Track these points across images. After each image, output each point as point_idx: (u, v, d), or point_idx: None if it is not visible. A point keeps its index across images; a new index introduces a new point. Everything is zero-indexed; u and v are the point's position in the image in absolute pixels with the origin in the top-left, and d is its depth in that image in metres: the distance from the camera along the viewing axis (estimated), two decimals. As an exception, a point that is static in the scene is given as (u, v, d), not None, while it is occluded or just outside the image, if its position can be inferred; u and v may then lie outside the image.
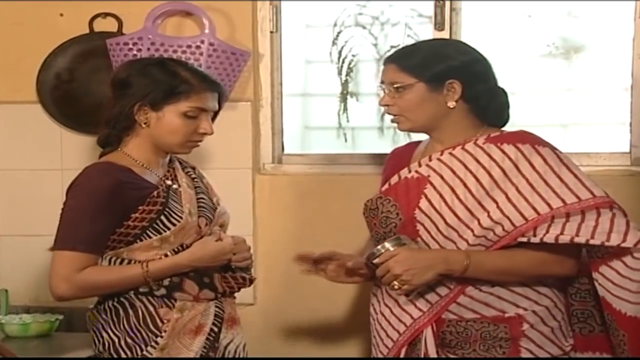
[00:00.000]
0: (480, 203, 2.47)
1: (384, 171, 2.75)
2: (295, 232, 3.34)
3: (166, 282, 2.55)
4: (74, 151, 3.42)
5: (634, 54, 3.17)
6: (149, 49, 3.17)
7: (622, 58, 3.20)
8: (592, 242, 2.41)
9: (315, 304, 3.33)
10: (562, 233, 2.42)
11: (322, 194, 3.34)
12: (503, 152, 2.50)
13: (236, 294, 2.71)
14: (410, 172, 2.58)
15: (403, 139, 3.23)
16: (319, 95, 3.56)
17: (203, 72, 2.71)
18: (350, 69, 3.45)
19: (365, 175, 3.25)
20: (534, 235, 2.43)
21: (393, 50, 2.72)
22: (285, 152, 3.45)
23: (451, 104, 2.53)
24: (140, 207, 2.52)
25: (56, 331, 3.27)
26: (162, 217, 2.54)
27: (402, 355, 2.55)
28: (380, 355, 2.61)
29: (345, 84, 3.46)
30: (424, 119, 2.56)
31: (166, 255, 2.55)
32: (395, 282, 2.46)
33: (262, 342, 3.26)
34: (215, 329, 2.61)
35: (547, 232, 2.42)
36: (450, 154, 2.54)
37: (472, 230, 2.47)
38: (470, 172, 2.50)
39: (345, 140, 3.47)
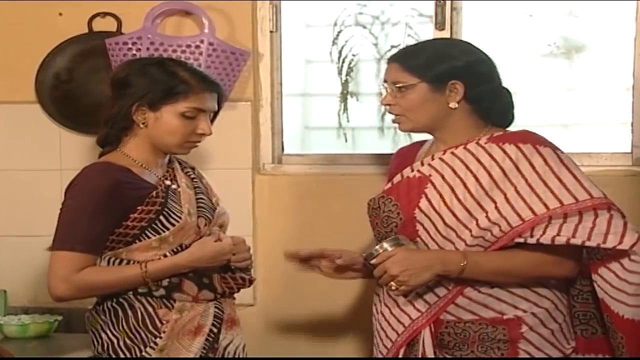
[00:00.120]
0: (479, 203, 2.46)
1: (389, 170, 2.74)
2: (295, 233, 3.33)
3: (165, 282, 2.54)
4: (73, 151, 3.41)
5: (635, 54, 3.17)
6: (148, 48, 3.17)
7: (623, 58, 3.20)
8: (588, 243, 2.40)
9: (315, 305, 3.33)
10: (558, 234, 2.40)
11: (322, 194, 3.34)
12: (504, 151, 2.49)
13: (236, 295, 2.70)
14: (412, 171, 2.57)
15: (403, 139, 3.23)
16: (319, 95, 3.56)
17: (202, 72, 2.70)
18: (350, 69, 3.44)
19: (366, 176, 3.25)
20: (531, 236, 2.42)
21: (397, 49, 2.71)
22: (285, 152, 3.45)
23: (453, 104, 2.52)
24: (139, 207, 2.52)
25: (55, 332, 3.26)
26: (161, 218, 2.53)
27: (400, 356, 2.54)
28: (380, 355, 2.60)
29: (345, 84, 3.46)
30: (426, 119, 2.55)
31: (165, 256, 2.55)
32: (392, 283, 2.45)
33: (262, 343, 3.25)
34: (215, 330, 2.60)
35: (544, 233, 2.41)
36: (452, 153, 2.53)
37: (470, 231, 2.46)
38: (471, 172, 2.49)
39: (346, 141, 3.47)
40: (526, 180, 2.45)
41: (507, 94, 2.60)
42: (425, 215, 2.50)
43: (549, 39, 3.30)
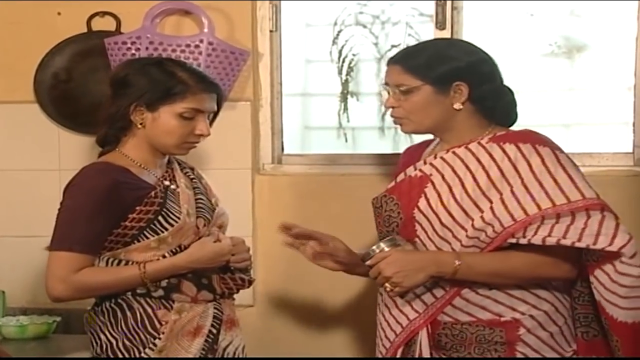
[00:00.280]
0: (475, 203, 2.45)
1: (396, 169, 2.72)
2: (295, 233, 3.32)
3: (164, 283, 2.53)
4: (72, 151, 3.41)
5: (637, 54, 3.16)
6: (147, 48, 3.16)
7: (625, 57, 3.19)
8: (578, 244, 2.37)
9: (315, 305, 3.32)
10: (549, 235, 2.38)
11: (322, 194, 3.33)
12: (504, 151, 2.48)
13: (235, 296, 2.69)
14: (415, 170, 2.57)
15: (404, 139, 3.23)
16: (319, 95, 3.55)
17: (202, 72, 2.68)
18: (350, 69, 3.44)
19: (366, 176, 3.25)
20: (524, 237, 2.40)
21: (397, 50, 2.69)
22: (285, 152, 3.44)
23: (457, 105, 2.50)
24: (137, 208, 2.50)
25: (53, 333, 3.25)
26: (160, 218, 2.52)
27: (398, 356, 2.53)
28: (380, 356, 2.59)
29: (345, 84, 3.45)
30: (430, 121, 2.53)
31: (164, 256, 2.54)
32: (387, 284, 2.44)
33: (262, 344, 3.24)
34: (214, 331, 2.59)
35: (536, 233, 2.39)
36: (454, 152, 2.52)
37: (466, 231, 2.45)
38: (470, 171, 2.48)
39: (346, 141, 3.46)
40: (522, 180, 2.43)
41: (510, 92, 2.58)
42: (424, 215, 2.49)
43: (550, 38, 3.29)
